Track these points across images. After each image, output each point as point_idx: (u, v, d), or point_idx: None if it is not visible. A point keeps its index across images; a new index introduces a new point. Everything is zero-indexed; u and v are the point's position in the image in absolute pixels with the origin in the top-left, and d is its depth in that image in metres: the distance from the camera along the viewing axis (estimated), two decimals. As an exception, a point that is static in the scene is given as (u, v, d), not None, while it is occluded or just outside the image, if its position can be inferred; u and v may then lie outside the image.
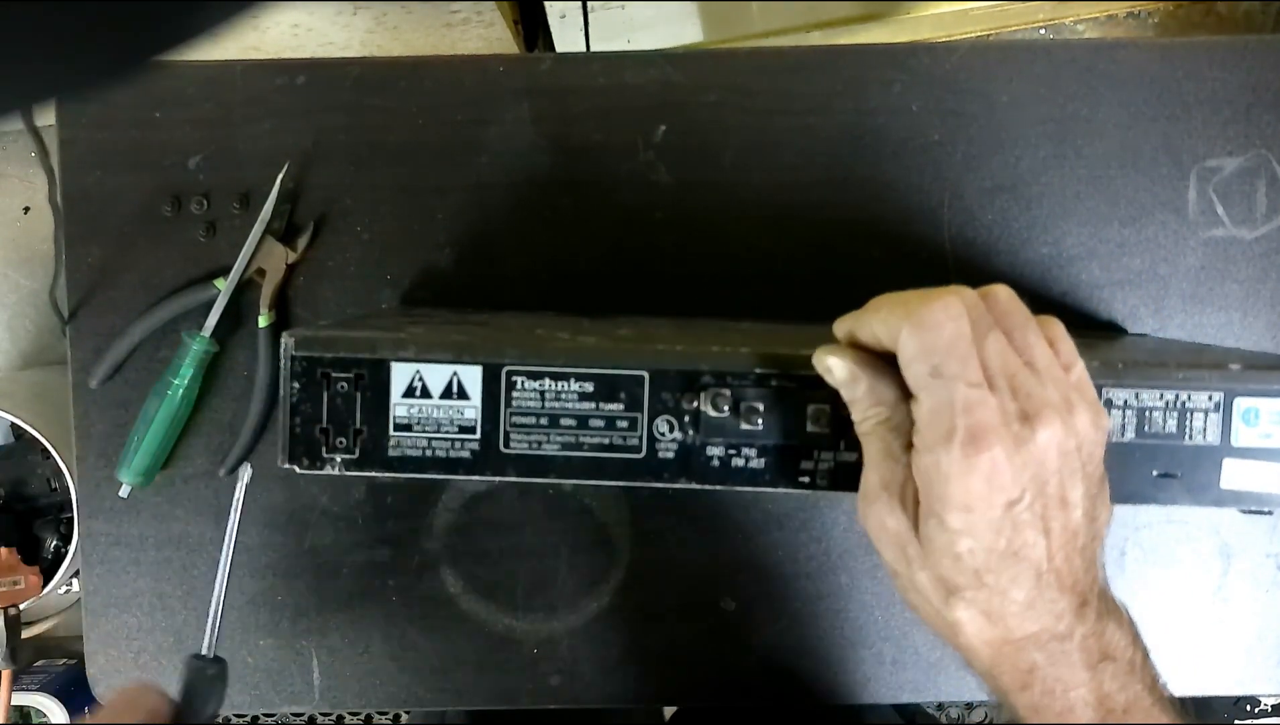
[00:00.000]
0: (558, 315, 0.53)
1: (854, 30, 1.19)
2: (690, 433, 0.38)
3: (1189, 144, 0.59)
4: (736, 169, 0.59)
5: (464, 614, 0.60)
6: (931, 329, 0.34)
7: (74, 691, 1.16)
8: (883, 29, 1.20)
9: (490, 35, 1.06)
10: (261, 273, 0.58)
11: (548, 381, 0.38)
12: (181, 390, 0.57)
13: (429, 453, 0.38)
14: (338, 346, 0.38)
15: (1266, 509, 0.37)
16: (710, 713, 0.72)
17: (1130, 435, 0.37)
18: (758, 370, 0.38)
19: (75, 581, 1.03)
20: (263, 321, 0.58)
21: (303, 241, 0.59)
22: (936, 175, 0.59)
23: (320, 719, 1.26)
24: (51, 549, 1.06)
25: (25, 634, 0.88)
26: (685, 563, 0.59)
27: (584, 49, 1.11)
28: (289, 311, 0.59)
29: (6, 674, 0.90)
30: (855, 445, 0.38)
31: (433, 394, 0.38)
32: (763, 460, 0.39)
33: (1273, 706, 1.24)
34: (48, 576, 1.01)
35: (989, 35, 1.25)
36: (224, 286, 0.58)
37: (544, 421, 0.38)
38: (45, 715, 1.13)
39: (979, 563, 0.34)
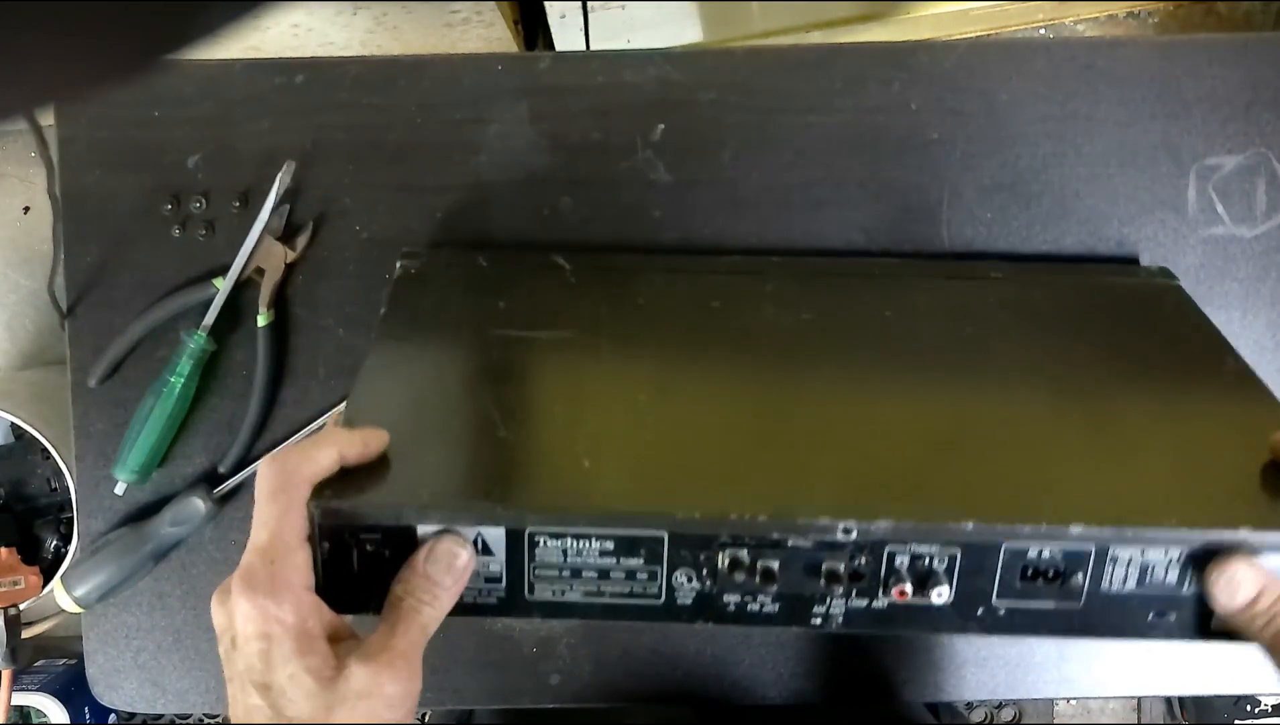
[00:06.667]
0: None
1: (854, 30, 1.19)
2: (708, 583, 0.39)
3: (1189, 142, 0.59)
4: (735, 168, 0.59)
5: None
6: None
7: (74, 691, 1.16)
8: (883, 29, 1.20)
9: (490, 35, 1.06)
10: (260, 272, 0.58)
11: (570, 541, 0.39)
12: (179, 388, 0.57)
13: (457, 600, 0.39)
14: (363, 515, 0.38)
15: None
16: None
17: (1131, 586, 0.39)
18: (774, 535, 0.38)
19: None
20: (261, 320, 0.58)
21: (302, 241, 0.59)
22: (936, 174, 0.59)
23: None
24: (51, 549, 1.06)
25: (25, 634, 0.87)
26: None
27: (584, 49, 1.11)
28: (288, 310, 0.59)
29: (6, 674, 0.90)
30: (867, 592, 0.39)
31: None
32: (777, 605, 0.40)
33: (1273, 706, 1.24)
34: (48, 576, 1.01)
35: (989, 35, 1.25)
36: (223, 285, 0.58)
37: (566, 573, 0.39)
38: (45, 715, 1.13)
39: None
